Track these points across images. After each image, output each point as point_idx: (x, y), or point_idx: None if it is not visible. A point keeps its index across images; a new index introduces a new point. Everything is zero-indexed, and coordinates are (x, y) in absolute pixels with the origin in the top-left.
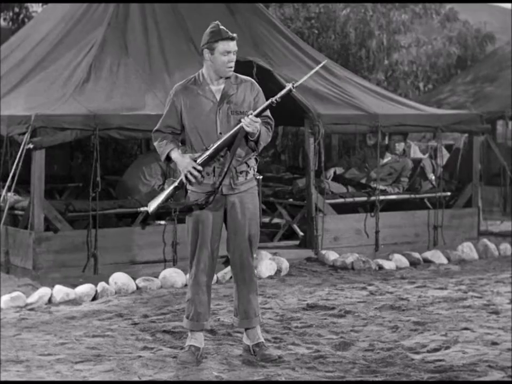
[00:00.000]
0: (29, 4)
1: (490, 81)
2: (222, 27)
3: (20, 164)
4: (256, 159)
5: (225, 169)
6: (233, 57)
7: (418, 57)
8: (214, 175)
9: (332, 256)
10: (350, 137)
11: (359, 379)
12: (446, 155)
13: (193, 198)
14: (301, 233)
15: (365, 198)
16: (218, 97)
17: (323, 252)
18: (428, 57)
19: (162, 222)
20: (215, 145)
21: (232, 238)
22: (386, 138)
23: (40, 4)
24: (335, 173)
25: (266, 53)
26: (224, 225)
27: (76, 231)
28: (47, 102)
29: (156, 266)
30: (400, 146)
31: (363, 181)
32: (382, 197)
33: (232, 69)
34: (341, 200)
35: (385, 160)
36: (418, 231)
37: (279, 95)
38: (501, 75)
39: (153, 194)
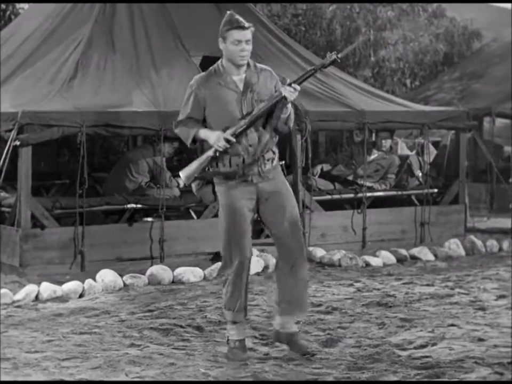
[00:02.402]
0: None
1: (477, 78)
2: (235, 16)
3: (7, 160)
4: (277, 145)
5: (267, 146)
6: (246, 46)
7: (405, 54)
8: (230, 166)
9: (319, 253)
10: (337, 134)
11: (346, 376)
12: (433, 152)
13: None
14: None
15: (352, 195)
16: (241, 86)
17: (310, 248)
18: (414, 54)
19: (149, 219)
20: (252, 116)
21: (274, 225)
22: (373, 135)
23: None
24: (322, 169)
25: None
26: (257, 215)
27: (63, 228)
28: (33, 99)
29: (143, 263)
30: (387, 143)
31: (350, 177)
32: (369, 194)
33: (245, 57)
34: (328, 197)
35: (372, 157)
36: (405, 228)
37: (321, 64)
38: (488, 72)
39: (140, 191)
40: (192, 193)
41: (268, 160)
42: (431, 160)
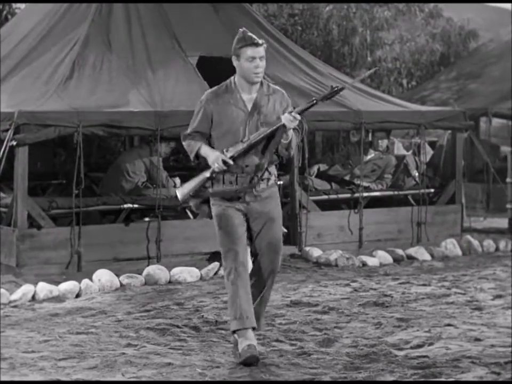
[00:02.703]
0: None
1: (473, 78)
2: (248, 34)
3: (3, 160)
4: (276, 165)
5: (264, 167)
6: (260, 63)
7: (401, 54)
8: (236, 184)
9: (315, 252)
10: (334, 134)
11: (342, 375)
12: (429, 152)
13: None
14: (285, 230)
15: (348, 195)
16: (249, 107)
17: (307, 248)
18: (411, 54)
19: (146, 219)
20: (252, 140)
21: (259, 243)
22: (370, 135)
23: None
24: (318, 169)
25: None
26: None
27: (59, 228)
28: (30, 99)
29: (139, 263)
30: (383, 143)
31: (347, 177)
32: (365, 194)
33: (260, 74)
34: (325, 196)
35: (368, 157)
36: (402, 228)
37: (323, 96)
38: (484, 72)
39: (136, 191)
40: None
41: (263, 180)
42: (428, 160)
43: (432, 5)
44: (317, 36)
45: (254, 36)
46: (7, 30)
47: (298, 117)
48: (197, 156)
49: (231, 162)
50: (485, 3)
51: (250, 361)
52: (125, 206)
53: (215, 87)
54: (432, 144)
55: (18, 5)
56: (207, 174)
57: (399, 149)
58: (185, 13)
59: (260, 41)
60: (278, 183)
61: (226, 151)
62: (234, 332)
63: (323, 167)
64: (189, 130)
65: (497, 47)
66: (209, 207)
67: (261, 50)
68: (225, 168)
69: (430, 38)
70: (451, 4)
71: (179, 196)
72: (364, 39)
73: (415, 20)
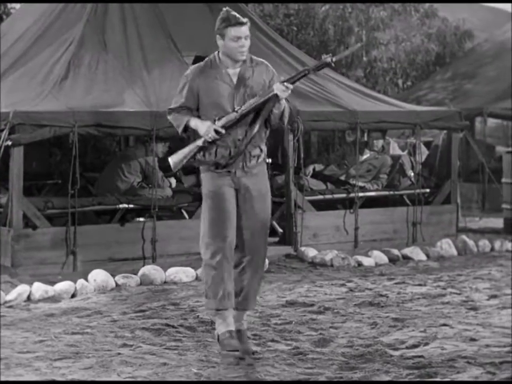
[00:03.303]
0: None
1: (469, 78)
2: (232, 13)
3: None
4: (265, 143)
5: (251, 136)
6: (245, 41)
7: (397, 54)
8: (215, 156)
9: (311, 253)
10: (329, 134)
11: (338, 375)
12: (424, 152)
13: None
14: (280, 230)
15: (344, 195)
16: (235, 80)
17: (302, 248)
18: (406, 54)
19: (142, 219)
20: (244, 110)
21: (244, 221)
22: (365, 135)
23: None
24: (314, 169)
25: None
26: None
27: (55, 228)
28: (25, 99)
29: (135, 263)
30: (378, 143)
31: (342, 177)
32: (361, 194)
33: (245, 53)
34: (320, 196)
35: (364, 157)
36: (397, 228)
37: (315, 66)
38: (480, 72)
39: (132, 191)
40: (185, 193)
41: (254, 156)
42: (423, 160)
43: (427, 5)
44: (313, 36)
45: (238, 15)
46: (2, 30)
47: (291, 86)
48: (185, 129)
49: (223, 131)
50: (480, 3)
51: (231, 353)
52: (121, 206)
53: (200, 63)
54: (427, 144)
55: (13, 5)
56: (199, 142)
57: (394, 149)
58: (180, 12)
59: (244, 20)
60: (267, 160)
61: (219, 119)
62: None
63: (319, 167)
64: (174, 105)
65: (492, 47)
66: (197, 177)
67: (245, 30)
68: (217, 137)
69: (425, 38)
70: (446, 4)
71: (172, 164)
72: (360, 39)
73: (411, 20)
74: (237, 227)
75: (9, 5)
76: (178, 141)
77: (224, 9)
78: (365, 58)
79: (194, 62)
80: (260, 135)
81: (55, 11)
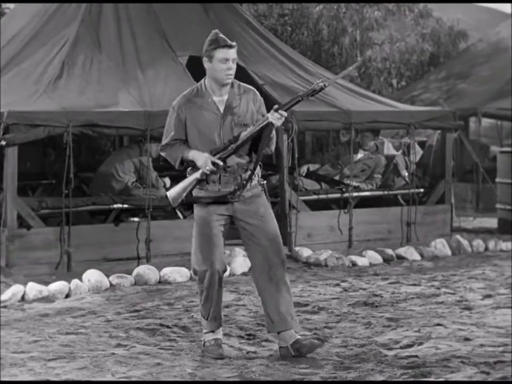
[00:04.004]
0: None
1: (463, 78)
2: (220, 35)
3: None
4: (260, 165)
5: (253, 166)
6: (232, 65)
7: (391, 54)
8: (219, 183)
9: (305, 253)
10: (323, 134)
11: (332, 375)
12: (419, 152)
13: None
14: None
15: (338, 195)
16: (222, 109)
17: (296, 248)
18: (401, 54)
19: (136, 219)
20: (240, 140)
21: (255, 245)
22: (359, 135)
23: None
24: (308, 169)
25: (240, 50)
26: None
27: (49, 228)
28: (19, 99)
29: (129, 263)
30: (369, 143)
31: (336, 177)
32: (355, 194)
33: (231, 76)
34: (315, 196)
35: (358, 157)
36: (392, 228)
37: (308, 92)
38: (474, 72)
39: (126, 191)
40: None
41: (245, 180)
42: (417, 160)
43: (421, 5)
44: (307, 36)
45: (226, 38)
46: None
47: (285, 114)
48: (182, 162)
49: (220, 163)
50: (474, 3)
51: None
52: (115, 206)
53: (186, 91)
54: (421, 144)
55: (8, 4)
56: (197, 175)
57: (389, 148)
58: (175, 12)
59: (233, 44)
60: (262, 182)
61: (213, 151)
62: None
63: (313, 167)
64: (166, 140)
65: (487, 47)
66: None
67: (233, 52)
68: (215, 169)
69: (419, 38)
70: (440, 4)
71: (171, 199)
72: (354, 39)
73: (405, 20)
74: (251, 252)
75: (3, 5)
76: None
77: (214, 31)
78: (359, 59)
79: (188, 62)
80: (249, 159)
81: (49, 11)
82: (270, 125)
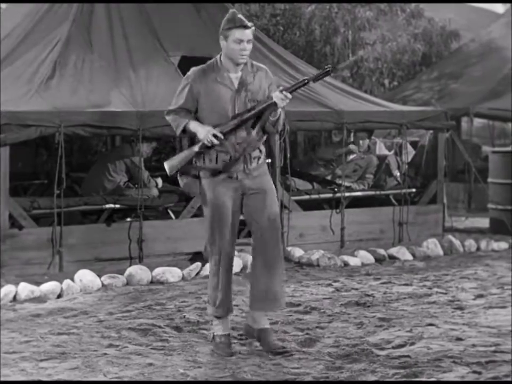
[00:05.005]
0: None
1: (455, 78)
2: (239, 15)
3: None
4: (263, 143)
5: (250, 140)
6: (247, 45)
7: (383, 54)
8: (216, 162)
9: (297, 252)
10: (316, 134)
11: (324, 375)
12: (411, 152)
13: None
14: None
15: (330, 195)
16: (236, 84)
17: (288, 248)
18: (393, 54)
19: (128, 219)
20: (243, 116)
21: (253, 222)
22: (351, 135)
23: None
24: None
25: None
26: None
27: (41, 228)
28: (11, 99)
29: (121, 263)
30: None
31: (328, 177)
32: (347, 194)
33: (245, 56)
34: (307, 196)
35: (350, 157)
36: (384, 228)
37: (314, 77)
38: (466, 72)
39: (118, 191)
40: (171, 193)
41: (254, 158)
42: (409, 160)
43: (413, 5)
44: (299, 36)
45: (243, 18)
46: None
47: (289, 95)
48: (184, 130)
49: (221, 136)
50: (466, 3)
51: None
52: (107, 206)
53: (202, 65)
54: (413, 144)
55: None
56: (196, 148)
57: (381, 149)
58: (167, 12)
59: (249, 24)
60: (267, 161)
61: (216, 126)
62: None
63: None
64: (173, 106)
65: (478, 47)
66: (200, 183)
67: (248, 33)
68: (216, 142)
69: (411, 38)
70: (432, 4)
71: (167, 168)
72: (346, 39)
73: (397, 20)
74: (251, 229)
75: None
76: (165, 141)
77: (231, 10)
78: (351, 58)
79: (180, 62)
80: (259, 138)
81: (41, 11)
82: (273, 104)
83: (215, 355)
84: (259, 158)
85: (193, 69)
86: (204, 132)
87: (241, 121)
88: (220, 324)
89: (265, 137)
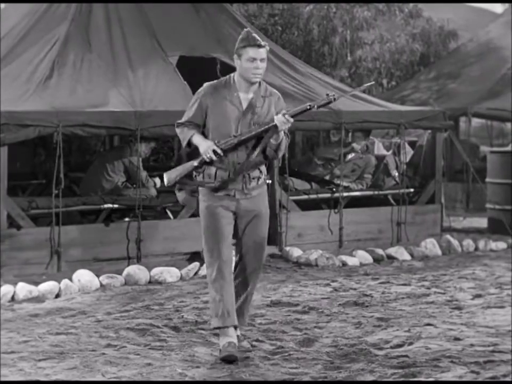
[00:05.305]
0: None
1: (453, 78)
2: (253, 34)
3: None
4: (265, 164)
5: (251, 157)
6: (260, 64)
7: (381, 54)
8: (215, 178)
9: (295, 252)
10: (314, 134)
11: (322, 375)
12: (409, 152)
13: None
14: None
15: (328, 195)
16: (244, 105)
17: (287, 248)
18: (391, 54)
19: (126, 219)
20: (243, 136)
21: (244, 240)
22: (349, 135)
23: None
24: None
25: (230, 50)
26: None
27: (39, 228)
28: (9, 99)
29: (119, 263)
30: (360, 141)
31: (327, 177)
32: (345, 194)
33: (259, 76)
34: (305, 196)
35: (348, 157)
36: (382, 228)
37: (318, 103)
38: (464, 72)
39: (116, 191)
40: (169, 193)
41: (254, 178)
42: (408, 160)
43: (411, 5)
44: (297, 36)
45: (257, 37)
46: None
47: (291, 119)
48: (189, 143)
49: (221, 152)
50: (465, 3)
51: (229, 359)
52: (105, 206)
53: (215, 81)
54: (412, 144)
55: None
56: (195, 162)
57: (379, 148)
58: (165, 12)
59: (263, 43)
60: (267, 181)
61: (218, 142)
62: (215, 328)
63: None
64: (183, 119)
65: (477, 47)
66: (197, 202)
67: (262, 52)
68: (215, 158)
69: (410, 38)
70: (430, 4)
71: (165, 180)
72: (344, 39)
73: (395, 20)
74: (236, 244)
75: None
76: (163, 141)
77: (245, 29)
78: (349, 58)
79: (178, 62)
80: (260, 159)
81: (40, 10)
82: (274, 127)
83: (214, 354)
84: (259, 178)
85: (205, 84)
86: (204, 146)
87: (240, 140)
88: (224, 337)
89: (265, 162)
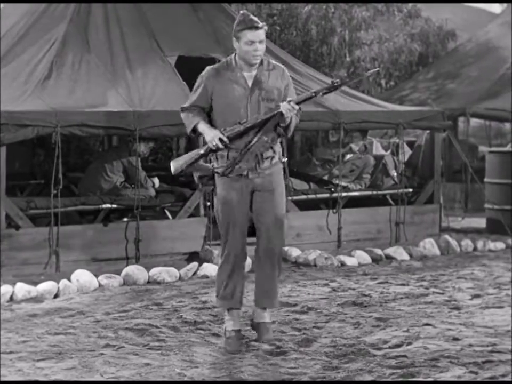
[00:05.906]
0: None
1: (452, 78)
2: (250, 16)
3: None
4: (281, 143)
5: (249, 145)
6: (259, 45)
7: (380, 54)
8: (227, 159)
9: (294, 252)
10: (313, 134)
11: (321, 375)
12: (408, 152)
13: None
14: None
15: (327, 195)
16: (250, 83)
17: (286, 248)
18: (389, 54)
19: (125, 219)
20: (249, 123)
21: (260, 220)
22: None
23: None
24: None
25: (229, 50)
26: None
27: (38, 228)
28: (8, 99)
29: (118, 263)
30: (358, 141)
31: (325, 177)
32: (344, 194)
33: (258, 57)
34: (304, 196)
35: (347, 157)
36: (380, 228)
37: (323, 90)
38: (463, 72)
39: (115, 191)
40: (168, 193)
41: (267, 158)
42: (406, 160)
43: (410, 5)
44: (296, 36)
45: (254, 19)
46: None
47: (297, 107)
48: (194, 129)
49: (227, 141)
50: (463, 3)
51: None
52: (104, 206)
53: (216, 64)
54: (410, 144)
55: None
56: (201, 150)
57: (377, 148)
58: (164, 12)
59: (260, 24)
60: (283, 160)
61: (224, 130)
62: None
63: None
64: (187, 103)
65: (475, 47)
66: (214, 184)
67: (260, 34)
68: (221, 146)
69: (408, 38)
70: (429, 4)
71: (172, 168)
72: (343, 39)
73: (394, 20)
74: (255, 226)
75: None
76: (162, 141)
77: (242, 12)
78: (348, 59)
79: (177, 62)
80: (272, 138)
81: (38, 11)
82: (280, 114)
83: (213, 354)
84: (272, 157)
85: (207, 68)
86: (211, 135)
87: (245, 128)
88: (230, 319)
89: (279, 140)
